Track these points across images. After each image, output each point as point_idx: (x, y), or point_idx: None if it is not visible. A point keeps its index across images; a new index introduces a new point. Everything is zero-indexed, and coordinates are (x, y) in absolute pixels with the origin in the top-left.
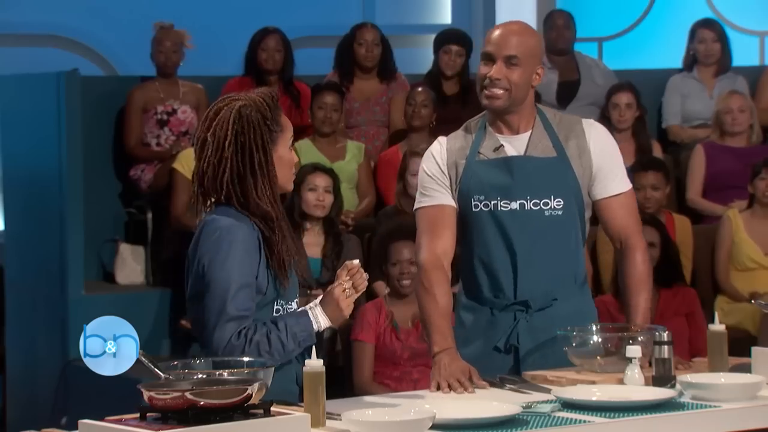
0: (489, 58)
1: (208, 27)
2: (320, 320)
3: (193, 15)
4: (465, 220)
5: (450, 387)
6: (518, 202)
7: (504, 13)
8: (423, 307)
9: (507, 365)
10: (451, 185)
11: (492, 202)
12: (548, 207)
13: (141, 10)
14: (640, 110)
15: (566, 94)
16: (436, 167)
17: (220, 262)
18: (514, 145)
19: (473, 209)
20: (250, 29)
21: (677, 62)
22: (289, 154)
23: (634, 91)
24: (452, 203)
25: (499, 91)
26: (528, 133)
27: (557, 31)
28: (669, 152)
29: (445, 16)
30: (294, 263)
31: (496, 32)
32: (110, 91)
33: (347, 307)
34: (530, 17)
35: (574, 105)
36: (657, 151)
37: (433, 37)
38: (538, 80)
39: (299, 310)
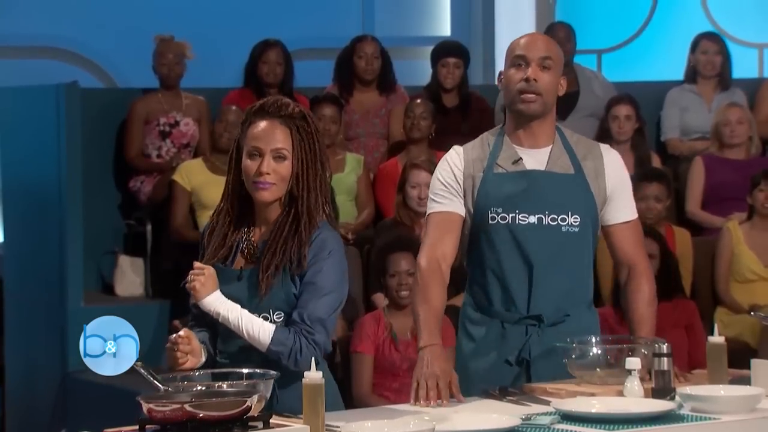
0: (522, 61)
1: (207, 38)
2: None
3: (193, 26)
4: (480, 232)
5: (427, 396)
6: (536, 216)
7: (503, 25)
8: (415, 304)
9: (518, 378)
10: (465, 195)
11: (510, 215)
12: (566, 223)
13: (140, 23)
14: (639, 122)
15: (565, 105)
16: (451, 176)
17: None
18: (533, 159)
19: (490, 221)
20: (249, 41)
21: (676, 74)
22: (246, 162)
23: (633, 103)
24: (461, 212)
25: (535, 95)
26: (548, 148)
27: (558, 44)
28: (668, 164)
29: (444, 28)
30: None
31: (524, 38)
32: (110, 103)
33: (167, 359)
34: (529, 28)
35: (573, 117)
36: (656, 164)
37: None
38: (562, 90)
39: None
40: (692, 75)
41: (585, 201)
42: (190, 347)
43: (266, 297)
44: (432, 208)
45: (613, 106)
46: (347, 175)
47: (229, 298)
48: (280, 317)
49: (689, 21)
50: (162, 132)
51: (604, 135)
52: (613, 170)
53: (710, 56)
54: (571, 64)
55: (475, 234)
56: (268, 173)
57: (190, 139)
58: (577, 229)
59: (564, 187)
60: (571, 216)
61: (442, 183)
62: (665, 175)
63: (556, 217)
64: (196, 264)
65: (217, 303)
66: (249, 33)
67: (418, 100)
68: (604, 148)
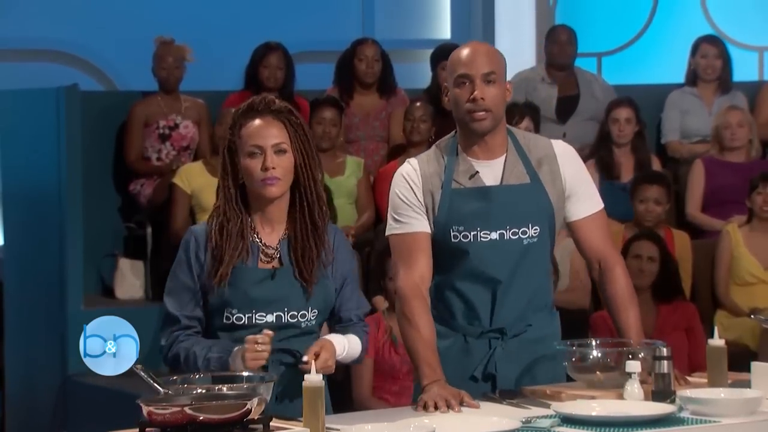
0: (466, 80)
1: (208, 41)
2: (237, 363)
3: (193, 29)
4: (441, 250)
5: (436, 407)
6: (498, 232)
7: (503, 28)
8: (407, 337)
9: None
10: (427, 212)
11: (471, 233)
12: (526, 235)
13: (140, 25)
14: (639, 125)
15: (566, 109)
16: (410, 192)
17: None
18: (489, 172)
19: (452, 240)
20: (249, 43)
21: (676, 77)
22: (247, 162)
23: (633, 106)
24: (427, 229)
25: (485, 113)
26: (503, 158)
27: (560, 46)
28: (668, 167)
29: (444, 30)
30: (244, 269)
31: (465, 53)
32: (111, 106)
33: (250, 360)
34: (529, 32)
35: (574, 120)
36: (656, 166)
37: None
38: (509, 96)
39: (235, 347)
40: (693, 78)
41: (543, 210)
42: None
43: (312, 296)
44: (396, 228)
45: (613, 109)
46: (347, 178)
47: (264, 299)
48: (315, 315)
49: (689, 24)
50: (162, 135)
51: (604, 138)
52: (569, 168)
53: (710, 60)
54: (572, 67)
55: (436, 251)
56: (273, 168)
57: (190, 141)
58: (536, 240)
59: (522, 198)
60: (532, 228)
61: (403, 201)
62: (666, 178)
63: (517, 230)
64: (255, 343)
65: (339, 345)
66: (249, 36)
67: (418, 103)
68: (557, 144)
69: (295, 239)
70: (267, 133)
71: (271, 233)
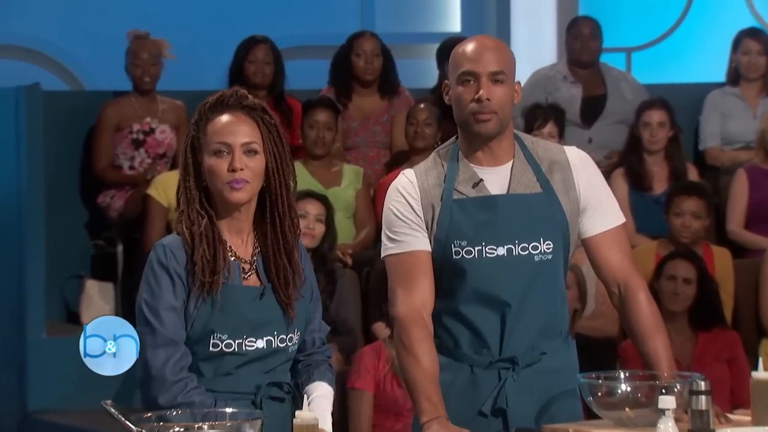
0: (471, 78)
1: (188, 35)
2: None
3: (171, 22)
4: (442, 269)
5: None
6: (506, 247)
7: (520, 20)
8: (405, 369)
9: (495, 430)
10: (427, 228)
11: (476, 248)
12: (538, 251)
13: (111, 20)
14: (674, 129)
15: (591, 111)
16: (407, 208)
17: (141, 285)
18: (494, 179)
19: (453, 256)
20: (234, 38)
21: (715, 76)
22: (212, 162)
23: (667, 107)
24: (427, 247)
25: (491, 114)
26: (509, 165)
27: (582, 41)
28: (707, 177)
29: (454, 23)
30: (221, 293)
31: (471, 49)
32: (77, 108)
33: None
34: (550, 24)
35: (600, 123)
36: (693, 176)
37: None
38: (518, 98)
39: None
40: (734, 76)
41: (557, 223)
42: None
43: (295, 318)
44: (392, 248)
45: (644, 112)
46: (344, 190)
47: (255, 322)
48: (298, 338)
49: (730, 15)
50: (135, 140)
51: (634, 144)
52: (584, 176)
53: (754, 56)
54: (597, 64)
55: (437, 270)
56: (241, 169)
57: (167, 148)
58: (550, 257)
59: (532, 210)
60: (544, 243)
61: (399, 218)
62: (705, 189)
63: (527, 246)
64: None
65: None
66: (234, 29)
67: (422, 105)
68: (569, 151)
69: (269, 256)
70: (237, 130)
71: (242, 246)
